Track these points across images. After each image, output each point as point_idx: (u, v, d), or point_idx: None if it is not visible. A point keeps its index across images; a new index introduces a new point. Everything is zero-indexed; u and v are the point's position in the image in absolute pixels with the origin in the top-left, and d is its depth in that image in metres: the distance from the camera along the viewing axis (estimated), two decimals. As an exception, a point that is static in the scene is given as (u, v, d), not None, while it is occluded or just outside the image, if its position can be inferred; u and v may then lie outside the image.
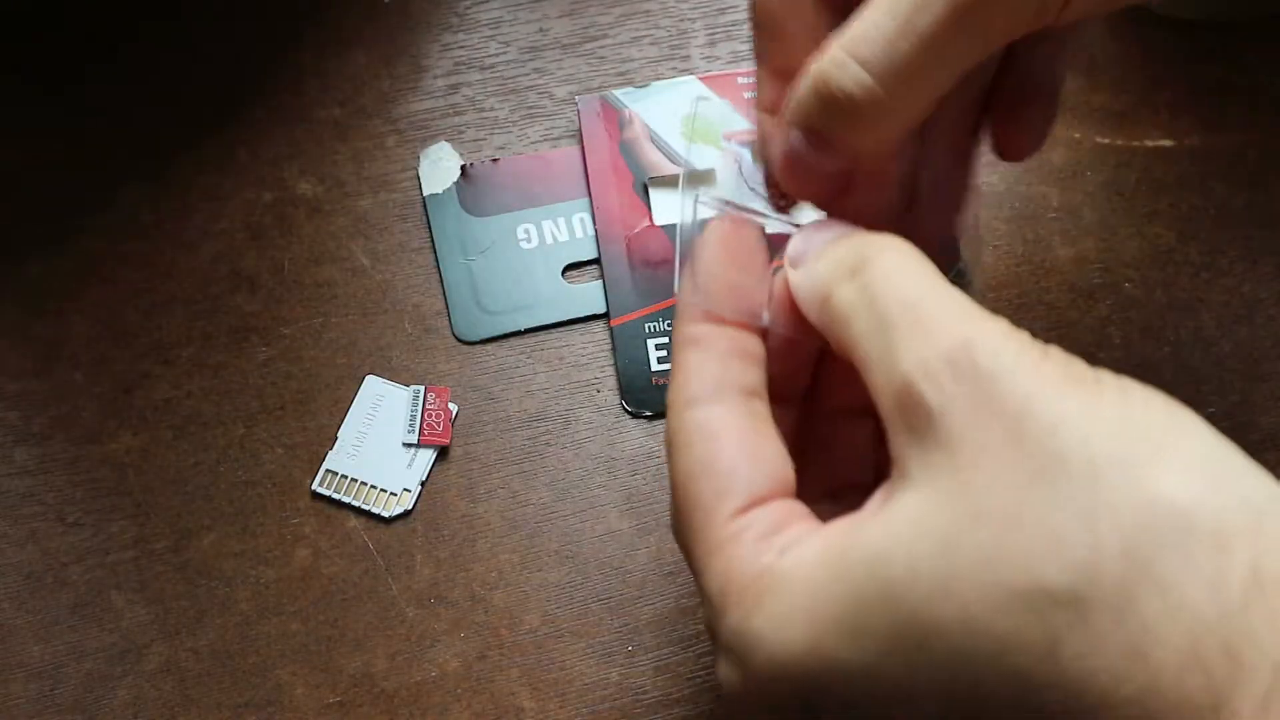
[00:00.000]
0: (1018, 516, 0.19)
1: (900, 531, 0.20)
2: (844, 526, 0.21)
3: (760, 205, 0.27)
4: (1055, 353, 0.20)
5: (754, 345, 0.25)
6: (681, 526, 0.24)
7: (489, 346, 0.38)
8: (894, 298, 0.22)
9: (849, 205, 0.26)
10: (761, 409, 0.24)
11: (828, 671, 0.20)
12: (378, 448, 0.36)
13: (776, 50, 0.26)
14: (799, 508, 0.23)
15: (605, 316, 0.38)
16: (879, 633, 0.20)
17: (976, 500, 0.19)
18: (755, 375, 0.25)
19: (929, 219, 0.29)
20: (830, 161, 0.24)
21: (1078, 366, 0.20)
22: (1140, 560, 0.18)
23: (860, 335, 0.22)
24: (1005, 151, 0.28)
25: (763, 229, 0.26)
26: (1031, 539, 0.18)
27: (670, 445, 0.24)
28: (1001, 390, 0.20)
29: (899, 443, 0.21)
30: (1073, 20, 0.24)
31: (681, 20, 0.42)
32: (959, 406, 0.20)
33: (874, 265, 0.22)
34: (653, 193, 0.39)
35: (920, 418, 0.20)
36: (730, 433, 0.23)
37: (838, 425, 0.27)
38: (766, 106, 0.26)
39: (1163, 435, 0.19)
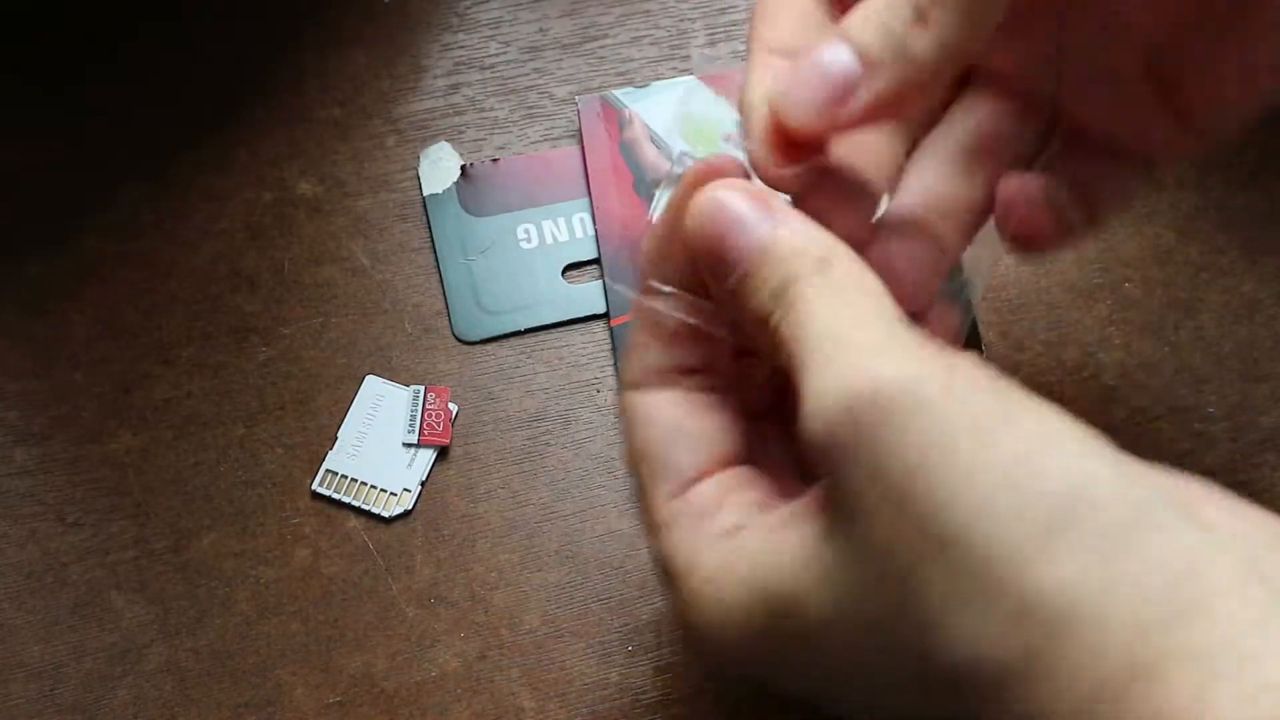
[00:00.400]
0: (910, 593, 0.19)
1: (814, 577, 0.21)
2: (769, 545, 0.22)
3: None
4: (960, 379, 0.20)
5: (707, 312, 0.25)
6: (639, 502, 0.25)
7: (489, 346, 0.38)
8: (810, 331, 0.21)
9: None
10: (701, 384, 0.25)
11: (761, 668, 0.23)
12: (378, 448, 0.36)
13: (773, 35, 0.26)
14: (738, 477, 0.24)
15: (605, 316, 0.38)
16: (799, 662, 0.22)
17: (875, 565, 0.20)
18: (700, 352, 0.25)
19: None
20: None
21: (982, 406, 0.19)
22: (1021, 650, 0.18)
23: (789, 364, 0.22)
24: (1014, 237, 0.27)
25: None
26: (921, 622, 0.19)
27: (621, 425, 0.25)
28: (894, 451, 0.19)
29: (820, 472, 0.21)
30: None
31: (681, 20, 0.42)
32: (856, 465, 0.20)
33: (798, 292, 0.22)
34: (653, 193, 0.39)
35: (828, 464, 0.20)
36: (664, 417, 0.24)
37: None
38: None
39: (1051, 511, 0.18)
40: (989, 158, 0.27)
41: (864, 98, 0.23)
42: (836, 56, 0.23)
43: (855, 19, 0.23)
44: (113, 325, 0.38)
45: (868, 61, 0.22)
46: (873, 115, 0.23)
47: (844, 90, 0.23)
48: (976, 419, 0.19)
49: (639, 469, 0.24)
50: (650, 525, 0.24)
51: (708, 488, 0.23)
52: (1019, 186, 0.27)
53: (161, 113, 0.40)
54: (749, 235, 0.23)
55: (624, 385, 0.25)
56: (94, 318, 0.38)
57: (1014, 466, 0.19)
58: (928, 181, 0.27)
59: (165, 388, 0.37)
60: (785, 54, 0.25)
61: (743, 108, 0.26)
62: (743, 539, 0.22)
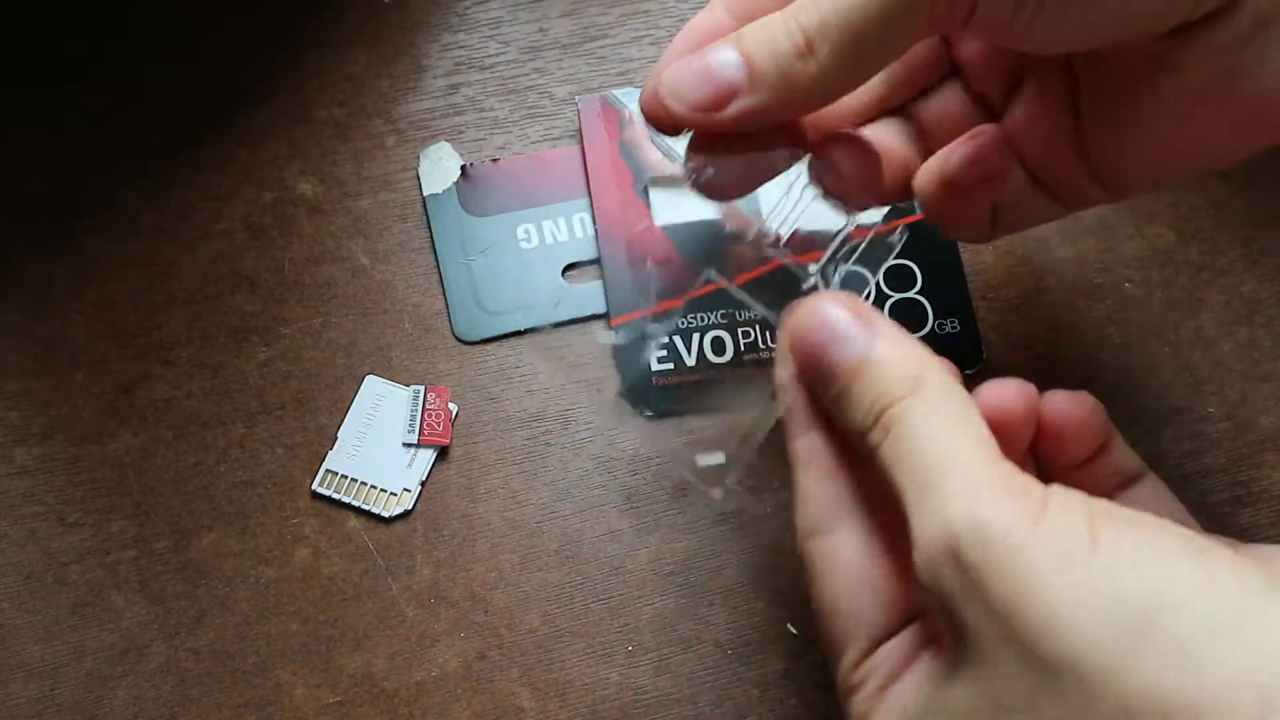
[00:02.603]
0: (1025, 715, 0.20)
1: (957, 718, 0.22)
2: (923, 701, 0.23)
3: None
4: (1050, 514, 0.21)
5: (839, 464, 0.26)
6: (826, 656, 0.26)
7: (489, 346, 0.38)
8: (908, 460, 0.23)
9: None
10: (869, 521, 0.26)
11: None
12: (378, 448, 0.36)
13: None
14: (916, 639, 0.25)
15: (605, 316, 0.38)
16: None
17: (995, 697, 0.21)
18: (859, 481, 0.26)
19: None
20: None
21: (1071, 535, 0.21)
22: None
23: (892, 487, 0.23)
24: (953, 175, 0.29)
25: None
26: None
27: (806, 573, 0.26)
28: (996, 590, 0.21)
29: (942, 618, 0.22)
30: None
31: (681, 20, 0.42)
32: (963, 602, 0.21)
33: (895, 415, 0.23)
34: (652, 193, 0.39)
35: (945, 609, 0.22)
36: (845, 569, 0.25)
37: None
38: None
39: (1143, 616, 0.19)
40: (936, 133, 0.30)
41: (736, 109, 0.24)
42: (724, 60, 0.24)
43: (752, 29, 0.25)
44: (113, 325, 0.38)
45: (750, 75, 0.24)
46: (741, 125, 0.25)
47: (721, 94, 0.24)
48: (1065, 548, 0.20)
49: (828, 625, 0.25)
50: (841, 686, 0.25)
51: (890, 652, 0.25)
52: (988, 131, 0.28)
53: (161, 113, 0.40)
54: (846, 350, 0.25)
55: (801, 534, 0.26)
56: (94, 318, 0.38)
57: (1098, 586, 0.20)
58: (877, 132, 0.29)
59: (165, 388, 0.37)
60: (731, 6, 0.27)
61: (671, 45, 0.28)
62: (909, 701, 0.24)
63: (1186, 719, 0.18)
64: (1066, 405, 0.26)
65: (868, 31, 0.23)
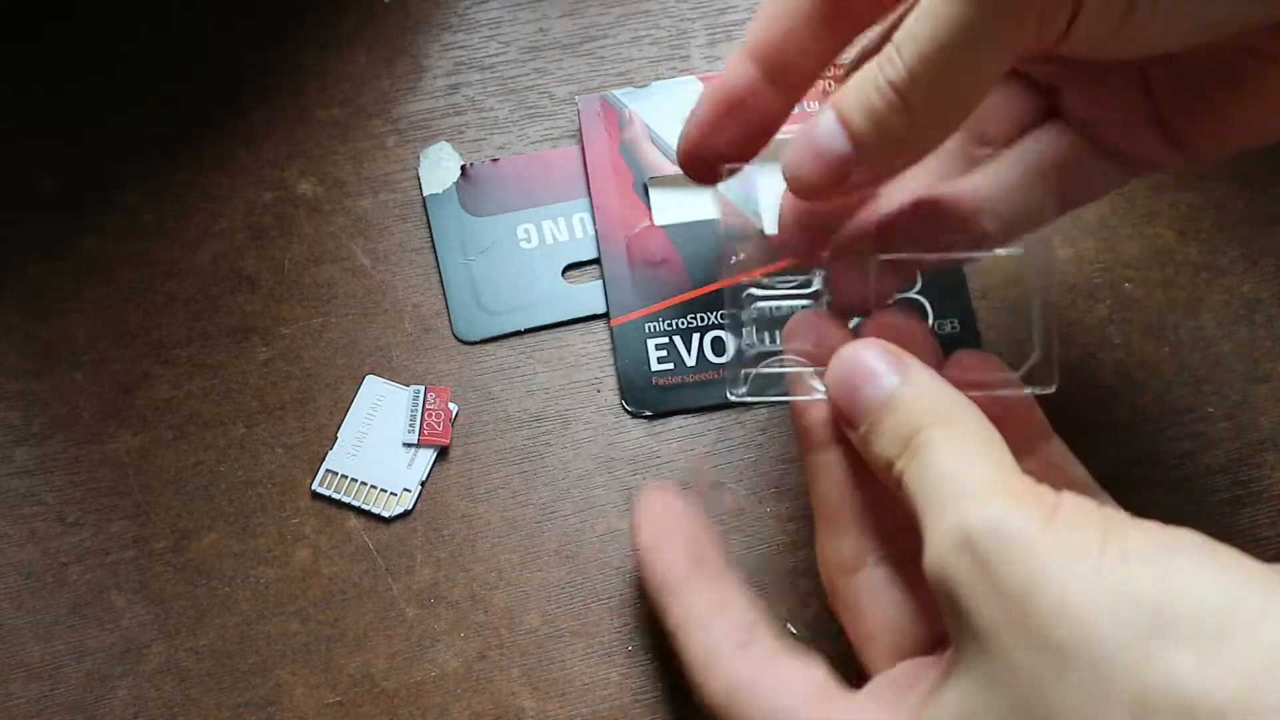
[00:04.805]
0: (1041, 709, 0.20)
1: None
2: (927, 699, 0.23)
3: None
4: (1062, 515, 0.22)
5: (732, 590, 0.29)
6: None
7: (489, 346, 0.38)
8: (930, 476, 0.23)
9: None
10: (764, 631, 0.27)
11: None
12: (378, 448, 0.36)
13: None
14: (927, 663, 0.26)
15: (605, 316, 0.38)
16: None
17: (1006, 692, 0.21)
18: (751, 610, 0.28)
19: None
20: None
21: (1082, 533, 0.21)
22: None
23: (912, 507, 0.24)
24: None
25: None
26: None
27: (727, 706, 0.26)
28: (1008, 580, 0.21)
29: (947, 620, 0.23)
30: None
31: (681, 20, 0.42)
32: (978, 598, 0.21)
33: (922, 441, 0.24)
34: (653, 193, 0.39)
35: (954, 605, 0.22)
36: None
37: None
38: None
39: (1158, 608, 0.20)
40: (992, 131, 0.30)
41: (857, 180, 0.25)
42: (828, 131, 0.25)
43: (847, 93, 0.25)
44: (113, 325, 0.38)
45: (854, 142, 0.25)
46: (858, 189, 0.26)
47: (838, 169, 0.25)
48: (1080, 543, 0.21)
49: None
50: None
51: (903, 671, 0.26)
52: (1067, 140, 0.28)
53: (161, 113, 0.40)
54: (876, 386, 0.25)
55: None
56: (94, 318, 0.38)
57: (1111, 579, 0.20)
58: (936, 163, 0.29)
59: (165, 388, 0.37)
60: (761, 59, 0.27)
61: (702, 96, 0.28)
62: (914, 702, 0.24)
63: (1207, 715, 0.18)
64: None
65: (958, 72, 0.23)
